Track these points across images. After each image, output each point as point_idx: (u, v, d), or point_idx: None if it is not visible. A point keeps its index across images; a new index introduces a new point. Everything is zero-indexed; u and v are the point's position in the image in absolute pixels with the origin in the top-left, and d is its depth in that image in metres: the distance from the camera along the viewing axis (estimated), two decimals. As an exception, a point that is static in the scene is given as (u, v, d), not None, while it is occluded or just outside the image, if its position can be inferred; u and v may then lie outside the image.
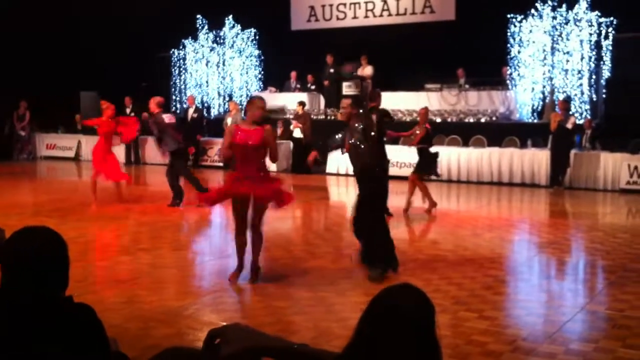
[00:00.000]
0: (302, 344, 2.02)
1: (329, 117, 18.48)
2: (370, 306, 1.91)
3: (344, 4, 20.68)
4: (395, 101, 16.92)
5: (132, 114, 19.67)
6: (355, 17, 20.55)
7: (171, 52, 22.00)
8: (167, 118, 11.67)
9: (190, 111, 18.64)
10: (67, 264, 2.52)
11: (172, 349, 1.65)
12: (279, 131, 18.05)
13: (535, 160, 14.87)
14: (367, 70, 18.90)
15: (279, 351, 2.02)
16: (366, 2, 20.32)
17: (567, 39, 16.28)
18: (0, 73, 19.74)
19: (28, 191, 15.27)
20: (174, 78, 22.15)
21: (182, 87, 22.09)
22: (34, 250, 2.44)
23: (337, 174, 16.58)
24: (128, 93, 19.91)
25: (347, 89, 18.70)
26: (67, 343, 2.36)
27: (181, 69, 22.10)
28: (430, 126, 11.56)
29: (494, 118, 16.82)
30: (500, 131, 16.10)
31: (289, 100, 19.38)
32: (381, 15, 20.14)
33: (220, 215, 11.15)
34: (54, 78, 20.69)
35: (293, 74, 20.01)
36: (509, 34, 16.84)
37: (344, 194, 15.14)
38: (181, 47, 21.97)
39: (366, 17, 20.37)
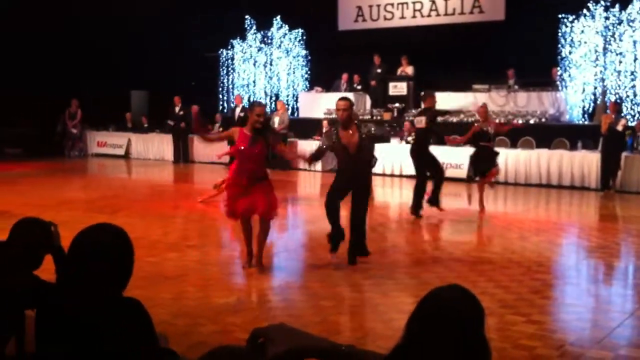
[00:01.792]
0: (349, 345, 2.02)
1: (375, 117, 18.46)
2: (419, 306, 1.90)
3: (392, 4, 20.60)
4: (442, 102, 16.77)
5: (181, 113, 20.00)
6: (402, 17, 20.46)
7: (219, 52, 22.23)
8: None
9: (237, 110, 18.81)
10: (131, 266, 2.57)
11: (224, 347, 1.67)
12: (325, 131, 18.09)
13: (585, 162, 14.60)
14: (407, 71, 18.85)
15: (326, 352, 2.02)
16: (414, 2, 20.21)
17: (620, 40, 15.96)
18: (53, 71, 20.21)
19: (79, 187, 15.60)
20: (222, 78, 22.38)
21: (230, 86, 22.31)
22: (102, 246, 2.49)
23: (383, 174, 16.54)
24: (177, 92, 20.18)
25: (394, 89, 18.66)
26: (117, 337, 2.41)
27: (229, 69, 22.32)
28: (491, 124, 11.66)
29: (543, 119, 16.59)
30: (550, 133, 15.87)
31: (335, 101, 19.34)
32: (429, 16, 20.01)
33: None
34: (105, 77, 21.11)
35: (344, 76, 19.93)
36: (560, 34, 16.58)
37: (389, 194, 15.10)
38: (229, 47, 22.19)
39: (414, 17, 20.25)
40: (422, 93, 11.35)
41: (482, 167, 11.67)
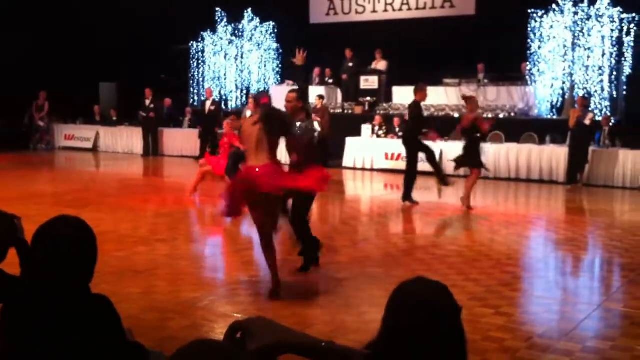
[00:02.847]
0: (329, 341, 2.00)
1: (346, 111, 18.45)
2: (392, 300, 1.89)
3: (363, -2, 20.62)
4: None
5: (152, 106, 19.79)
6: (374, 11, 20.48)
7: (190, 44, 22.05)
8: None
9: (208, 104, 18.70)
10: (95, 257, 2.54)
11: (200, 341, 1.64)
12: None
13: (553, 156, 14.75)
14: (380, 65, 18.86)
15: (306, 348, 1.99)
16: (385, -4, 20.26)
17: (589, 35, 16.13)
18: (21, 64, 19.89)
19: (46, 181, 15.39)
20: (192, 70, 22.21)
21: (200, 79, 22.15)
22: (64, 238, 2.45)
23: (354, 168, 16.57)
24: (147, 85, 19.97)
25: (365, 83, 18.66)
26: (83, 333, 2.38)
27: (200, 62, 22.15)
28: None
29: (512, 114, 16.69)
30: (519, 127, 15.96)
31: (310, 95, 19.30)
32: (400, 10, 20.04)
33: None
34: (73, 69, 20.82)
35: (316, 70, 19.82)
36: (529, 29, 16.71)
37: (360, 188, 15.12)
38: (200, 40, 22.02)
39: (385, 11, 20.28)
40: (415, 86, 11.51)
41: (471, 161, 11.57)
